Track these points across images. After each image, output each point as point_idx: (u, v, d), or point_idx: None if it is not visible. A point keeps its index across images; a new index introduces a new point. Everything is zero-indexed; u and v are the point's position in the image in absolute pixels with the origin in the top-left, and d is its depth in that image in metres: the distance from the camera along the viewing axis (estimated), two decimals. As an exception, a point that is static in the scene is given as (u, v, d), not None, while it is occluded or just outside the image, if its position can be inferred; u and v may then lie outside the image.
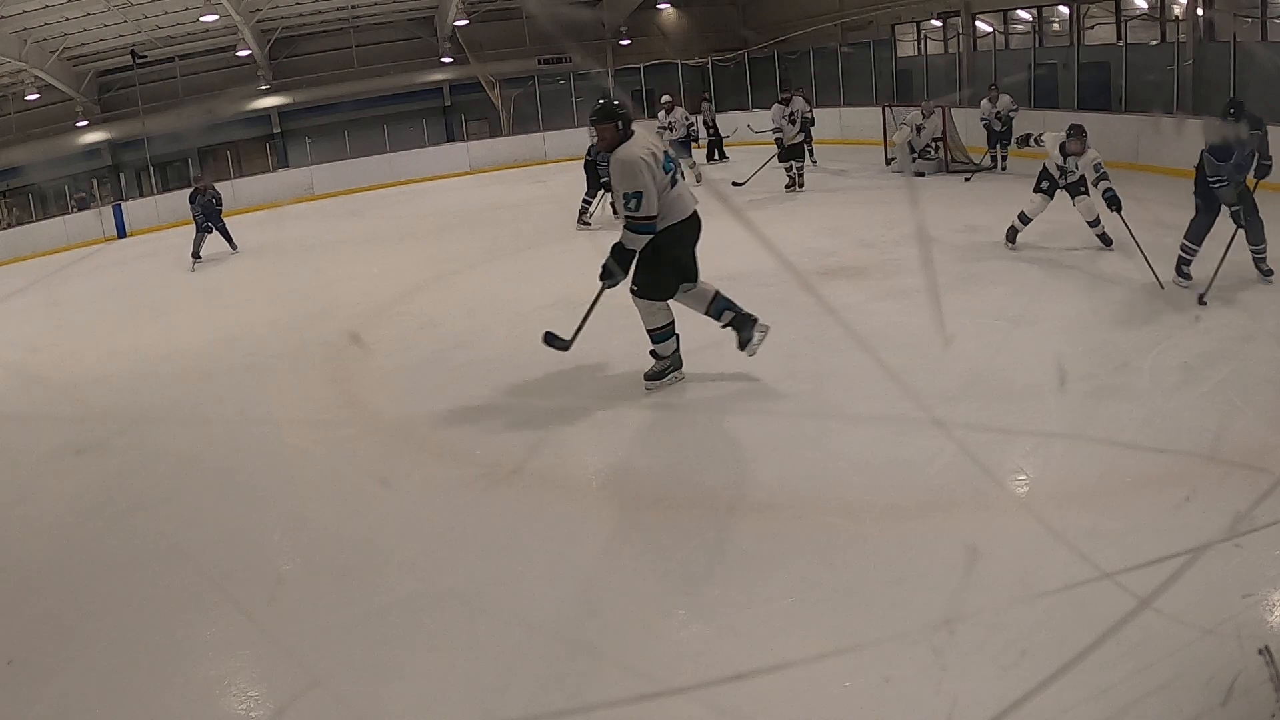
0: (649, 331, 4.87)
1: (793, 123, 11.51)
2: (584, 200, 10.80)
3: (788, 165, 11.73)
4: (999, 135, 12.00)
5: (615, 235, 4.70)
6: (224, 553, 3.76)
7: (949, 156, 12.27)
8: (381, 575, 3.49)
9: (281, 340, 7.18)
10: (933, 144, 12.26)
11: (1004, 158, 12.07)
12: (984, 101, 12.12)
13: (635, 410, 4.93)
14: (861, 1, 19.19)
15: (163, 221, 16.16)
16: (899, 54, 18.28)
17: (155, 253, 12.88)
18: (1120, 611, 2.52)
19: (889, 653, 2.67)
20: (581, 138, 13.67)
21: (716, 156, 16.49)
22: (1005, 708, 2.29)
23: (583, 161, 10.85)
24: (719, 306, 4.85)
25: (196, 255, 11.82)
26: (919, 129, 12.11)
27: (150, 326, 8.39)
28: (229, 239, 12.36)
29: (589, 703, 2.59)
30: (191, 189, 12.56)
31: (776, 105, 11.58)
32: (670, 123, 13.57)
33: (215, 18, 18.11)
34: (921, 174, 12.08)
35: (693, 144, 14.43)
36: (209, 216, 12.01)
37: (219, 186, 12.72)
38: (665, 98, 14.30)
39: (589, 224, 10.72)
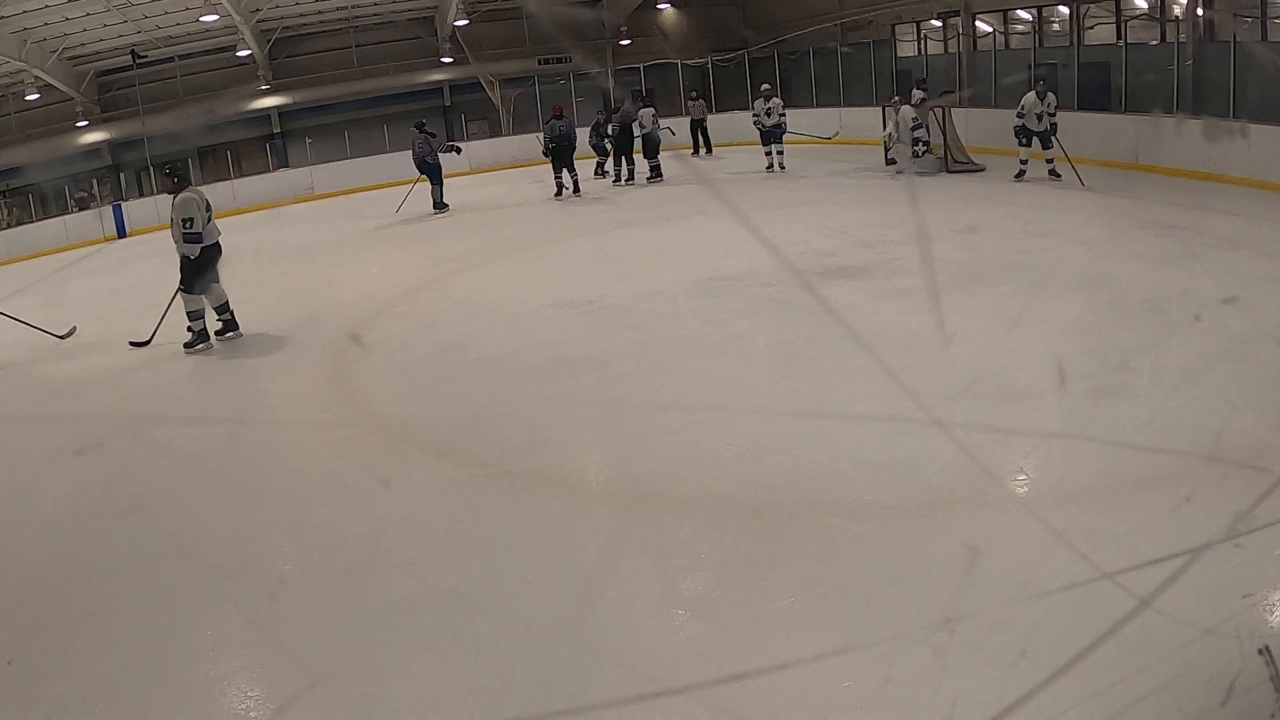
0: (188, 313, 7.02)
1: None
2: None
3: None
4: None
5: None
6: (224, 553, 3.76)
7: (949, 156, 12.25)
8: (381, 575, 3.49)
9: (282, 340, 7.18)
10: (924, 134, 12.06)
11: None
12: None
13: (635, 410, 4.93)
14: (861, 1, 19.17)
15: (163, 221, 16.03)
16: (899, 54, 18.25)
17: (156, 252, 12.82)
18: (1120, 611, 2.51)
19: (889, 653, 2.67)
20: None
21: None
22: (1005, 708, 2.29)
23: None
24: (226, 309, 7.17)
25: None
26: (898, 124, 12.11)
27: (150, 327, 8.37)
28: None
29: (589, 703, 2.59)
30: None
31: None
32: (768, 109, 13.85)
33: (215, 18, 18.07)
34: (923, 173, 12.05)
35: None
36: None
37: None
38: (765, 86, 14.68)
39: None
